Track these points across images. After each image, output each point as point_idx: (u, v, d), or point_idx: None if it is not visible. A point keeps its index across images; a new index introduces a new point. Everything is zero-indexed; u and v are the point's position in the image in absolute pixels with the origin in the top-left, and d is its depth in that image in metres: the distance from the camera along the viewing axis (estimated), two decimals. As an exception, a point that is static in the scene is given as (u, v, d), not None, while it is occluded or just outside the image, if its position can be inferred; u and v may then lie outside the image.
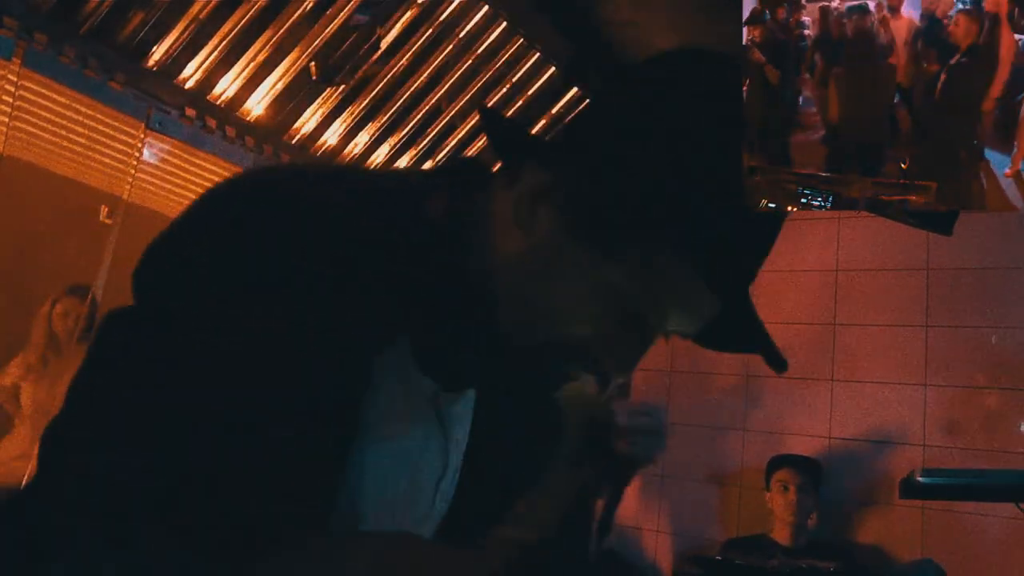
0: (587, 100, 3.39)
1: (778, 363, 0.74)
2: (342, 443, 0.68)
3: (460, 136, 3.43)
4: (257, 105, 2.87)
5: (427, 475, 0.81)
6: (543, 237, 0.70)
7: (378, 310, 0.68)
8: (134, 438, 0.61)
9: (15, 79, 2.55)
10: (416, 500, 0.81)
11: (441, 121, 3.34)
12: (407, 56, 3.00)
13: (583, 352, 0.72)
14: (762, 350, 0.74)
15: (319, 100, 2.98)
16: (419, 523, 0.81)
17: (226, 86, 2.76)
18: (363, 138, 3.19)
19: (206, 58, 2.64)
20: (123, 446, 0.61)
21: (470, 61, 3.13)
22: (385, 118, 3.16)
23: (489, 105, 3.33)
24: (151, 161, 3.06)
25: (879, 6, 0.81)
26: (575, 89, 3.34)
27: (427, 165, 3.46)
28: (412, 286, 0.70)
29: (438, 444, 0.81)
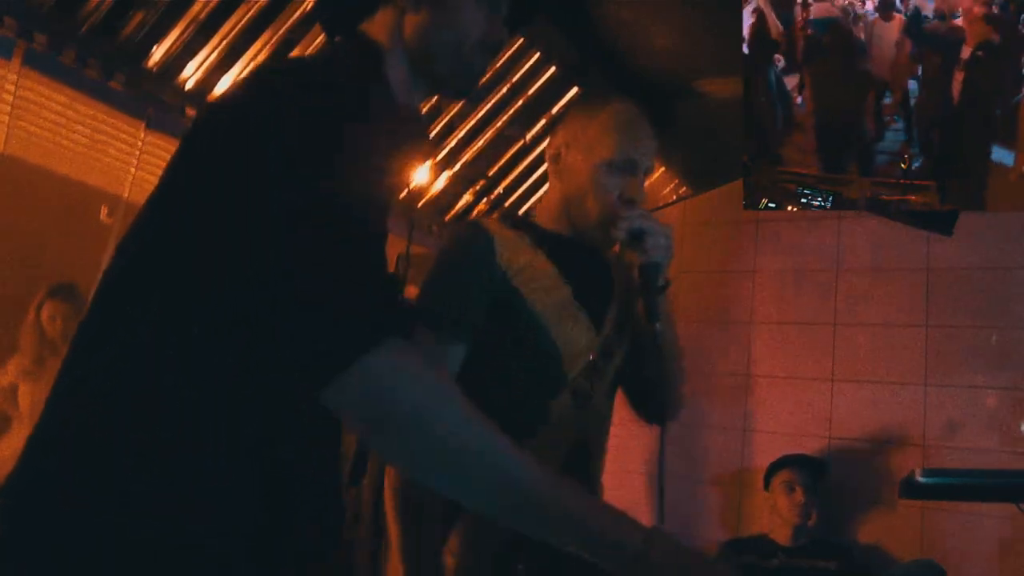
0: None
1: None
2: None
3: (460, 136, 3.43)
4: (257, 105, 2.86)
5: None
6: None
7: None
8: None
9: (15, 79, 2.54)
10: None
11: (441, 121, 3.34)
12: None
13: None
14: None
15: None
16: None
17: (226, 86, 2.76)
18: (363, 138, 3.18)
19: (206, 58, 2.64)
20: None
21: (470, 61, 3.12)
22: (385, 118, 3.15)
23: (489, 105, 3.33)
24: (151, 161, 3.06)
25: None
26: (575, 89, 3.34)
27: (427, 164, 3.46)
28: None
29: None
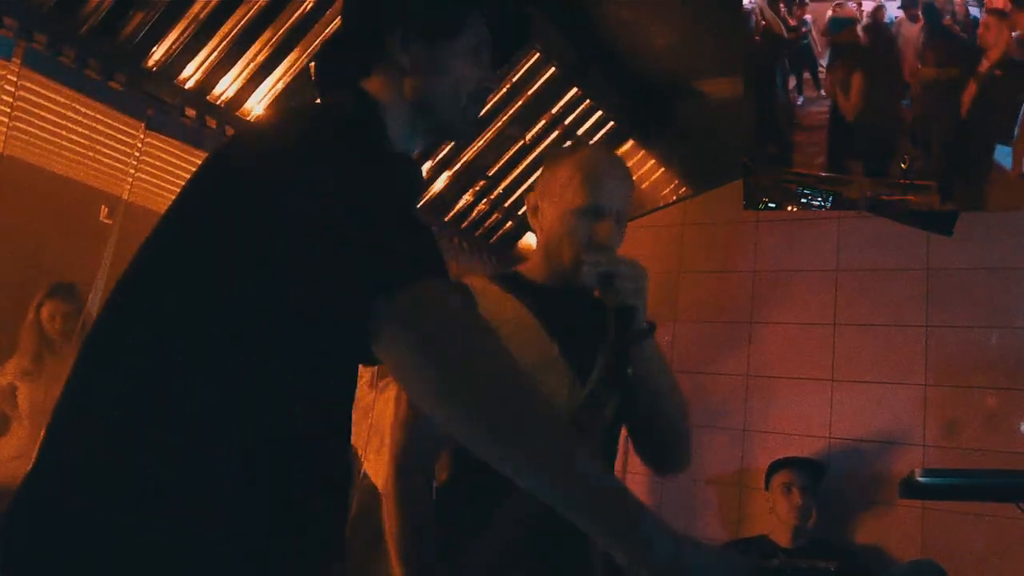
0: (587, 100, 3.39)
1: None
2: None
3: (460, 136, 3.42)
4: (257, 105, 2.87)
5: None
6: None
7: None
8: None
9: (15, 79, 2.54)
10: None
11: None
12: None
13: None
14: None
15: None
16: None
17: (226, 86, 2.76)
18: (363, 138, 3.17)
19: (206, 58, 2.63)
20: None
21: (470, 61, 3.11)
22: (385, 118, 3.15)
23: (488, 105, 3.33)
24: (151, 161, 3.06)
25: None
26: (575, 89, 3.34)
27: (427, 165, 3.46)
28: None
29: None
